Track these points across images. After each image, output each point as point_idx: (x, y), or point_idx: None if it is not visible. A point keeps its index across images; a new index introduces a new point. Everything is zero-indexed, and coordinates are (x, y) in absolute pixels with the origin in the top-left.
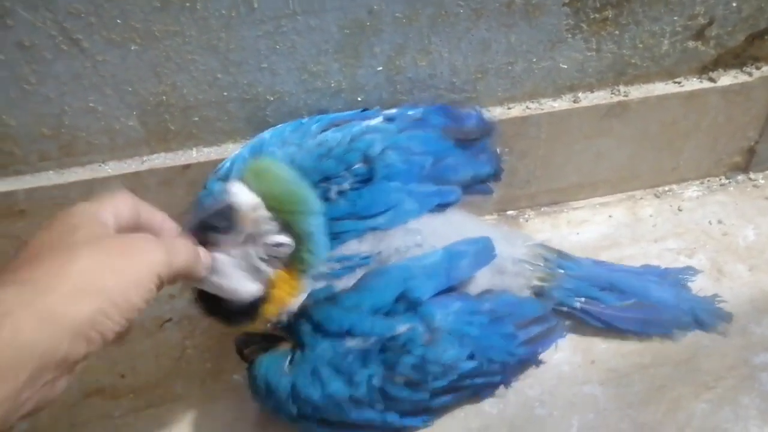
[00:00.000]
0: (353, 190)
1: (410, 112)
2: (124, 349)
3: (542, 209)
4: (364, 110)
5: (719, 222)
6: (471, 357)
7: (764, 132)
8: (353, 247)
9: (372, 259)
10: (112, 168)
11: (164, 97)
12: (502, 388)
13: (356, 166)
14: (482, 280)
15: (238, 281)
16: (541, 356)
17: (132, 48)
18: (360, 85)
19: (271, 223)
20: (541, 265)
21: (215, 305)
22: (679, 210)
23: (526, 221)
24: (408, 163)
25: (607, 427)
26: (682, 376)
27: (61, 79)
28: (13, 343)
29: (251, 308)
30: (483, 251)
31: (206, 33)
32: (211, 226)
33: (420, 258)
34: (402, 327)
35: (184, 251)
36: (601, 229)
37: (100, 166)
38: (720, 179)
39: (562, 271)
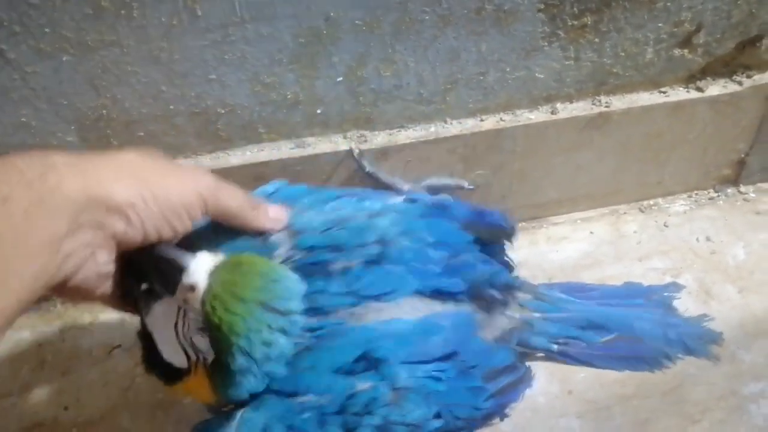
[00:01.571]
0: (358, 276)
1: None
2: (69, 378)
3: (520, 225)
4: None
5: (707, 239)
6: (437, 416)
7: (755, 143)
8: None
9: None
10: None
11: (104, 111)
12: None
13: (370, 247)
14: None
15: (165, 341)
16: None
17: (64, 59)
18: (319, 96)
19: (197, 316)
20: (517, 316)
21: (153, 353)
22: (665, 226)
23: None
24: (420, 254)
25: None
26: (666, 408)
27: None
28: (57, 190)
29: (176, 374)
30: (462, 325)
31: (146, 43)
32: (156, 268)
33: (388, 322)
34: (363, 384)
35: (238, 194)
36: (582, 247)
37: None
38: (708, 192)
39: (538, 314)
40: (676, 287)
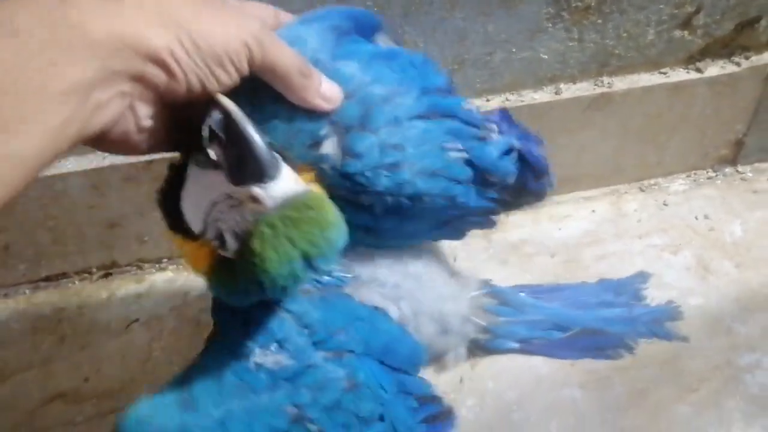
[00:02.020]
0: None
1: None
2: (88, 351)
3: None
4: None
5: (705, 217)
6: (381, 419)
7: (752, 124)
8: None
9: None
10: (72, 164)
11: None
12: None
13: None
14: (425, 339)
15: (194, 203)
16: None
17: None
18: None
19: (242, 220)
20: (483, 323)
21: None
22: (665, 204)
23: (507, 216)
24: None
25: None
26: (664, 379)
27: None
28: (80, 29)
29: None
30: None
31: None
32: (240, 156)
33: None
34: (325, 364)
35: (288, 52)
36: (584, 225)
37: (60, 162)
38: (707, 172)
39: (501, 319)
40: (643, 277)
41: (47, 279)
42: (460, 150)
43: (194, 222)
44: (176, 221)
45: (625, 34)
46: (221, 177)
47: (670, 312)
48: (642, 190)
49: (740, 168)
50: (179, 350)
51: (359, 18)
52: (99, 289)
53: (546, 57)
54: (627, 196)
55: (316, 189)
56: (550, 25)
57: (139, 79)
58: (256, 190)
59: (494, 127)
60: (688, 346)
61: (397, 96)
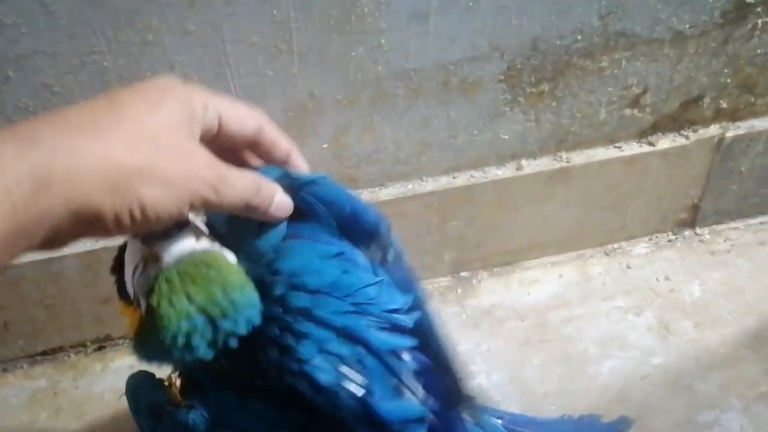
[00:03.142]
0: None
1: None
2: (83, 422)
3: (495, 269)
4: None
5: (666, 279)
6: None
7: (706, 190)
8: None
9: None
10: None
11: None
12: None
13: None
14: None
15: (126, 272)
16: None
17: None
18: (306, 160)
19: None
20: None
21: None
22: (628, 267)
23: (479, 282)
24: None
25: None
26: None
27: None
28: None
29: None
30: None
31: None
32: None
33: None
34: None
35: (241, 186)
36: (552, 289)
37: None
38: (668, 235)
39: None
40: (626, 423)
41: (44, 353)
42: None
43: (129, 288)
44: (123, 289)
45: (579, 114)
46: (140, 246)
47: None
48: (606, 254)
49: (698, 230)
50: None
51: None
52: (93, 362)
53: (506, 137)
54: (592, 260)
55: (227, 254)
56: (508, 109)
57: (85, 235)
58: (155, 247)
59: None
60: (651, 405)
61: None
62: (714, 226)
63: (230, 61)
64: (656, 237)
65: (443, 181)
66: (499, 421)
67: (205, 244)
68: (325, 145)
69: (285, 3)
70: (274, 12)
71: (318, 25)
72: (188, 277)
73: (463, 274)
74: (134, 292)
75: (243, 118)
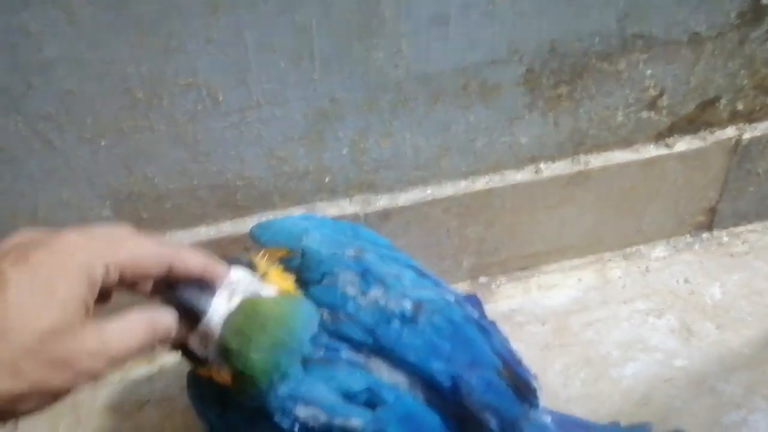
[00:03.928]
0: (386, 320)
1: None
2: None
3: (513, 274)
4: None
5: (686, 281)
6: None
7: (724, 192)
8: (350, 353)
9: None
10: None
11: (136, 188)
12: None
13: (406, 306)
14: None
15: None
16: None
17: (102, 143)
18: (326, 167)
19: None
20: None
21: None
22: (647, 270)
23: (498, 287)
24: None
25: None
26: None
27: (34, 176)
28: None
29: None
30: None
31: (174, 127)
32: (179, 310)
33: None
34: (356, 420)
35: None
36: (571, 293)
37: None
38: (686, 238)
39: None
40: None
41: None
42: None
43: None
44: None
45: (596, 117)
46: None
47: None
48: (625, 258)
49: (716, 233)
50: (190, 428)
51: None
52: (112, 372)
53: (525, 140)
54: (611, 263)
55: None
56: (527, 112)
57: None
58: (200, 326)
59: None
60: (676, 407)
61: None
62: (732, 228)
63: (252, 68)
64: (674, 240)
65: (462, 186)
66: (548, 418)
67: (232, 297)
68: (345, 150)
69: (306, 9)
70: (296, 18)
71: (339, 30)
72: (241, 334)
73: (481, 279)
74: (208, 359)
75: (147, 264)
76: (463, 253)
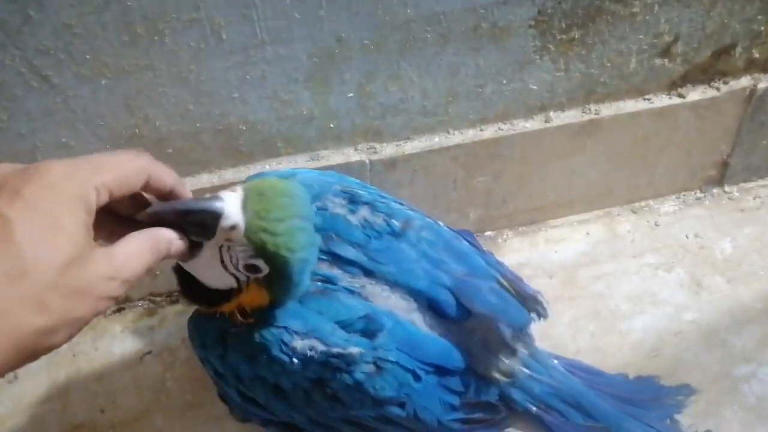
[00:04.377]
0: (377, 235)
1: None
2: (103, 383)
3: (520, 228)
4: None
5: (696, 236)
6: (401, 405)
7: (736, 145)
8: (346, 279)
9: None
10: None
11: (137, 130)
12: None
13: (394, 222)
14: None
15: (210, 274)
16: None
17: (102, 82)
18: (332, 111)
19: (246, 247)
20: (506, 361)
21: (193, 284)
22: (656, 225)
23: (505, 241)
24: (436, 250)
25: None
26: None
27: (32, 115)
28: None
29: (224, 295)
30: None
31: (176, 66)
32: (188, 222)
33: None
34: (354, 349)
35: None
36: (580, 247)
37: None
38: (695, 193)
39: (527, 371)
40: (689, 390)
41: None
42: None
43: (226, 283)
44: (216, 299)
45: (608, 64)
46: (207, 245)
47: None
48: (634, 212)
49: (727, 188)
50: (191, 380)
51: None
52: (113, 323)
53: (535, 87)
54: (620, 218)
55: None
56: (538, 57)
57: None
58: (223, 223)
59: None
60: (686, 360)
61: None
62: (742, 184)
63: (257, 3)
64: (684, 195)
65: (470, 134)
66: (555, 361)
67: (235, 191)
68: (351, 94)
69: None
70: None
71: None
72: (263, 212)
73: (488, 233)
74: (238, 274)
75: (131, 179)
76: (470, 205)
